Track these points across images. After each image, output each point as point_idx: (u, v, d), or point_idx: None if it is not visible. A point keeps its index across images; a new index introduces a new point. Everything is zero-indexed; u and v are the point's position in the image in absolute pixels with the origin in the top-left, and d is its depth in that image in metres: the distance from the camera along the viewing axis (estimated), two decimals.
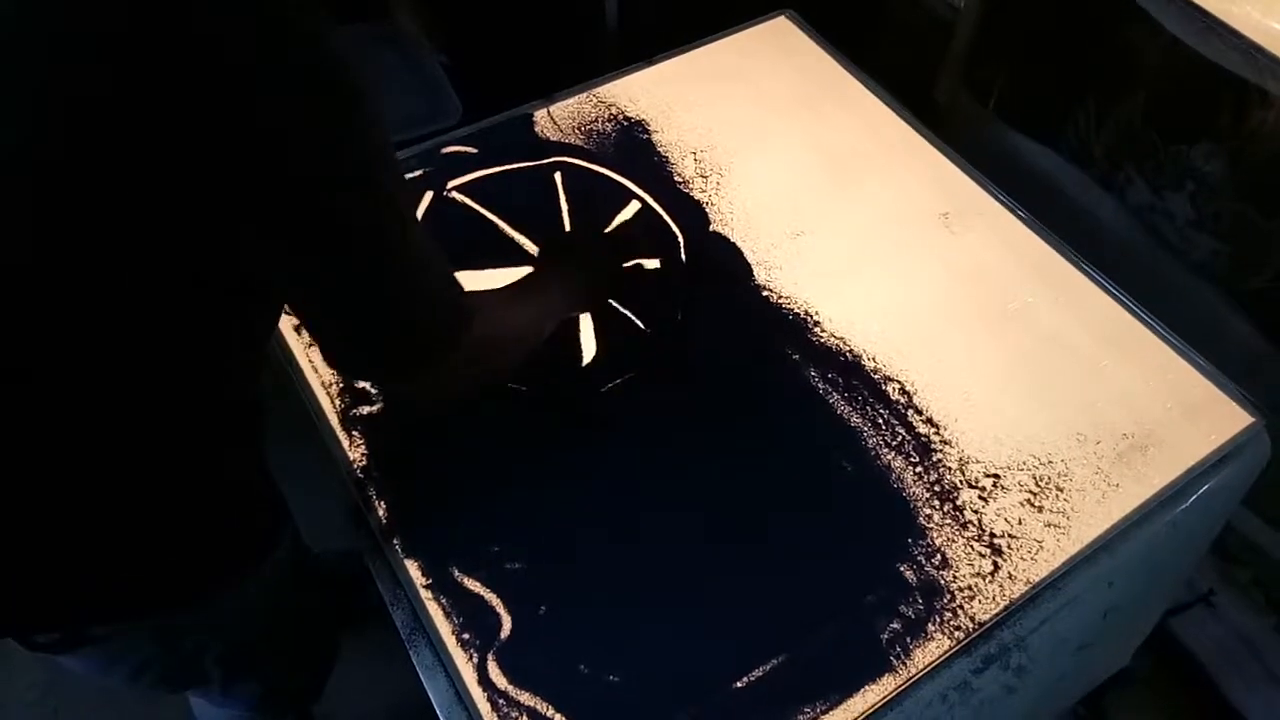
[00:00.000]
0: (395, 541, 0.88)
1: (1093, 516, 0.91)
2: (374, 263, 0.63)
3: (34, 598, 0.74)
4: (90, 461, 0.68)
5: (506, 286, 0.94)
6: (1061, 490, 0.93)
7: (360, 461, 0.93)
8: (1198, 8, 1.20)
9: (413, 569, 0.87)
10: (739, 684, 0.81)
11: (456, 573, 0.87)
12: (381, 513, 0.90)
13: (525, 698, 0.80)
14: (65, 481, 0.68)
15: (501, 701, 0.80)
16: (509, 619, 0.84)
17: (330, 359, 0.73)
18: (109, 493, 0.70)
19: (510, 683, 0.81)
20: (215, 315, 0.66)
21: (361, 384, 0.98)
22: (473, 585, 0.86)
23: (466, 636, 0.83)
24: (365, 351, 0.69)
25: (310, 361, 1.00)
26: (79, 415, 0.65)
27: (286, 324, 1.02)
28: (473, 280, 1.04)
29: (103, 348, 0.63)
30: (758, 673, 0.82)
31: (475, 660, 0.82)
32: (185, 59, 0.52)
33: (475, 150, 1.19)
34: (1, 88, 0.55)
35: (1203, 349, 1.04)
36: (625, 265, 1.05)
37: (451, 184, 1.15)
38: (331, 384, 0.98)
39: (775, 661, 0.83)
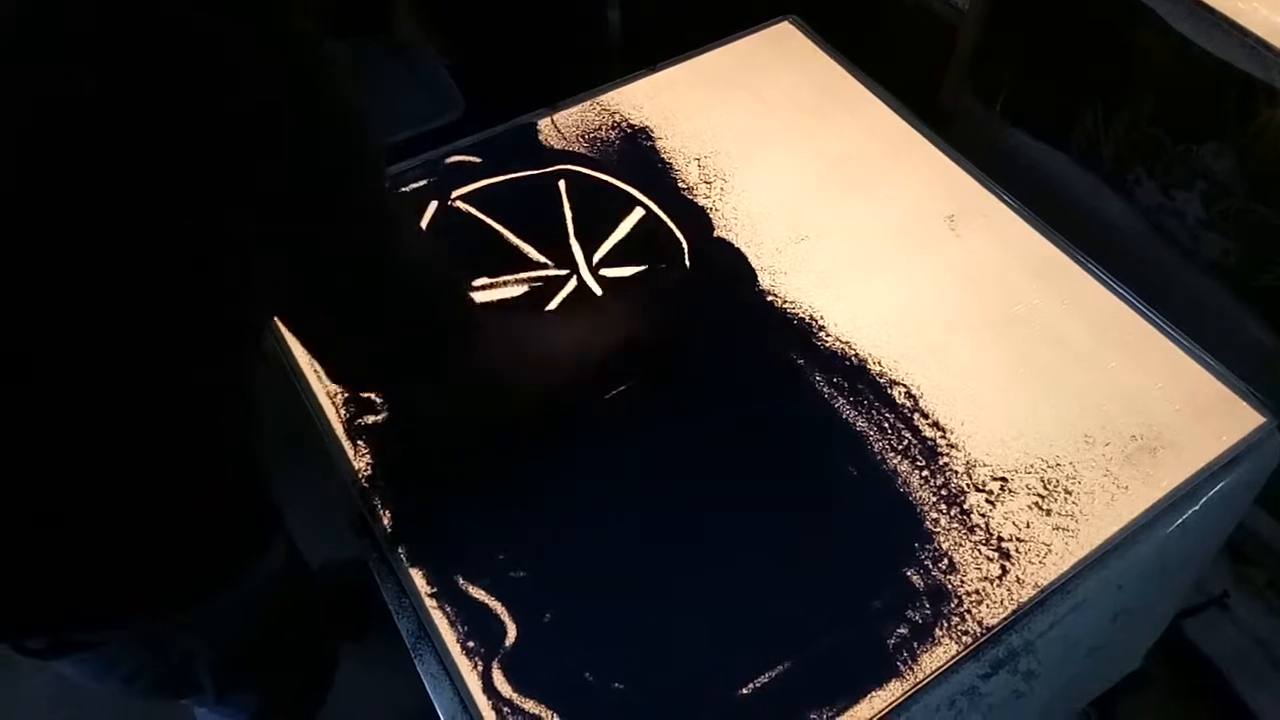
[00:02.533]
0: (400, 550, 0.88)
1: (1101, 519, 0.91)
2: (370, 261, 0.65)
3: (18, 603, 0.74)
4: (73, 466, 0.68)
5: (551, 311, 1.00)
6: (1070, 493, 0.92)
7: (365, 471, 0.93)
8: (1205, 5, 1.19)
9: (417, 577, 0.87)
10: (744, 690, 0.81)
11: (461, 581, 0.87)
12: (386, 521, 0.90)
13: (530, 706, 0.80)
14: (49, 487, 0.68)
15: (507, 710, 0.80)
16: (514, 627, 0.84)
17: (329, 367, 0.75)
18: (91, 498, 0.70)
19: (515, 691, 0.81)
20: (202, 320, 0.66)
21: (367, 393, 0.98)
22: (477, 593, 0.86)
23: (471, 645, 0.83)
24: (359, 352, 0.71)
25: (315, 371, 1.00)
26: (62, 420, 0.65)
27: (293, 339, 1.03)
28: (476, 294, 1.06)
29: (87, 353, 0.63)
30: (763, 679, 0.82)
31: (480, 668, 0.82)
32: (179, 60, 0.52)
33: (479, 160, 1.19)
34: None
35: (1214, 348, 1.03)
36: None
37: (456, 193, 1.15)
38: (337, 394, 0.99)
39: (781, 668, 0.82)
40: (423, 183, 1.16)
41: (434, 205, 1.14)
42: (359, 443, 0.95)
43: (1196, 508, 0.92)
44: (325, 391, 0.99)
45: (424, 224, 1.12)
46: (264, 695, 1.01)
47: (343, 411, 0.97)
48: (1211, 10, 1.18)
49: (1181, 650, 1.34)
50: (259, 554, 0.84)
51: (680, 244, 1.11)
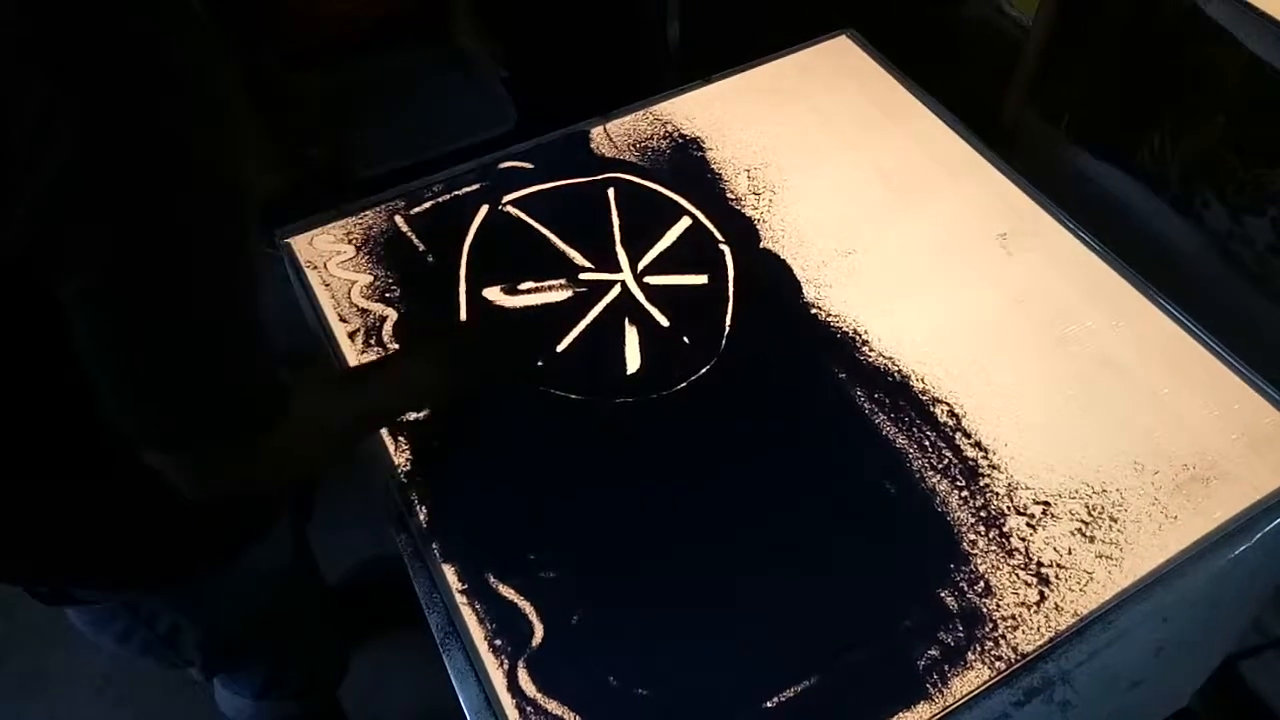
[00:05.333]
0: (434, 546, 0.90)
1: (1147, 549, 0.88)
2: (172, 328, 0.60)
3: (17, 556, 0.80)
4: (59, 453, 0.71)
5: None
6: (1115, 520, 0.90)
7: (404, 466, 0.95)
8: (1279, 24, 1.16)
9: (449, 573, 0.88)
10: (769, 704, 0.80)
11: (492, 579, 0.88)
12: (423, 517, 0.91)
13: (553, 706, 0.81)
14: (37, 467, 0.72)
15: (529, 709, 0.80)
16: (541, 627, 0.85)
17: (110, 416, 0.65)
18: (76, 480, 0.73)
19: (539, 691, 0.81)
20: None
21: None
22: (507, 592, 0.87)
23: (499, 643, 0.84)
24: (140, 415, 0.64)
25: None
26: (55, 418, 0.68)
27: (341, 332, 1.05)
28: (522, 296, 1.07)
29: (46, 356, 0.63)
30: (789, 694, 0.81)
31: (506, 667, 0.83)
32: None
33: (532, 166, 1.21)
34: None
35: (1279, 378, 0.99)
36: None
37: (507, 198, 1.17)
38: None
39: (807, 683, 0.81)
40: (475, 186, 1.18)
41: (485, 209, 1.16)
42: (400, 439, 0.97)
43: (1250, 543, 0.89)
44: None
45: (475, 228, 1.14)
46: (263, 676, 1.03)
47: None
48: None
49: (1236, 692, 1.29)
50: (246, 546, 0.87)
51: (724, 254, 1.11)
